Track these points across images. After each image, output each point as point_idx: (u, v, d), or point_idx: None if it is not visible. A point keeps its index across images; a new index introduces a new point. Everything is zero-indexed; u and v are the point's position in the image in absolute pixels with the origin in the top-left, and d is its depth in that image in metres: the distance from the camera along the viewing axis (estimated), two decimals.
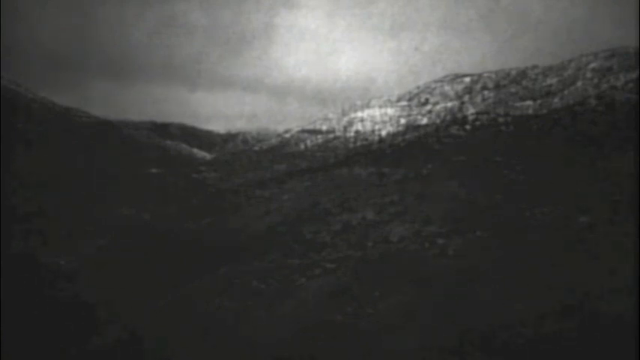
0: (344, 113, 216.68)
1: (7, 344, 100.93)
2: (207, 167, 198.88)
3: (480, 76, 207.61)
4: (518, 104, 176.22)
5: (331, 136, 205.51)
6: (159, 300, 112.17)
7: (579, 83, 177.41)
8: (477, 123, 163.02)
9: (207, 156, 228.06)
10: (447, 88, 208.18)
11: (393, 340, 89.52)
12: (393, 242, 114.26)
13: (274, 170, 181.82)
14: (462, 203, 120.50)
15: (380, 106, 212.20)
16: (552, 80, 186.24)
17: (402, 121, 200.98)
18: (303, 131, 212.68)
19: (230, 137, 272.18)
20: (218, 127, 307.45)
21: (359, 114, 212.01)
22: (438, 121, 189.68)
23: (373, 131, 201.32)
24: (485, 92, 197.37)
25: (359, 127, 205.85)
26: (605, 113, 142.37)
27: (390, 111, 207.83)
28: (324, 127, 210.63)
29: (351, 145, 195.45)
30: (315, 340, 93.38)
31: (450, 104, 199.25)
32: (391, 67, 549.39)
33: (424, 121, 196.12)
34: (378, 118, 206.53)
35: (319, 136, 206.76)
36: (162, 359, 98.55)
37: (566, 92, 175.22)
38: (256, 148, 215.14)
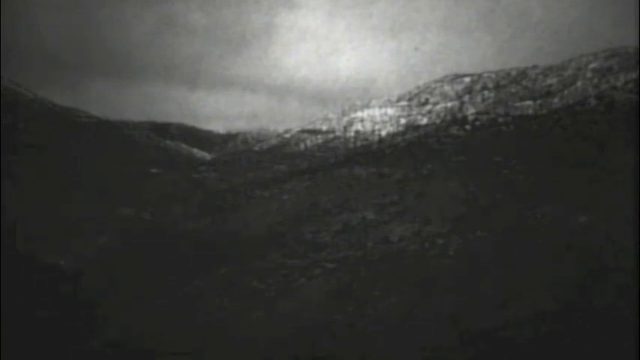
0: (344, 113, 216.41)
1: (8, 344, 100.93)
2: (207, 167, 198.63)
3: (480, 76, 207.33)
4: (518, 104, 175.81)
5: (331, 136, 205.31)
6: (159, 300, 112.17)
7: (579, 83, 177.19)
8: (477, 123, 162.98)
9: (207, 156, 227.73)
10: (447, 88, 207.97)
11: (393, 340, 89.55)
12: (393, 242, 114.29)
13: (274, 170, 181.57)
14: (462, 203, 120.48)
15: (380, 106, 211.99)
16: (552, 80, 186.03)
17: (402, 121, 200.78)
18: (303, 131, 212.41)
19: (230, 137, 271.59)
20: (218, 127, 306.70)
21: (359, 114, 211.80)
22: (438, 121, 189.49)
23: (373, 131, 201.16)
24: (485, 92, 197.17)
25: (359, 127, 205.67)
26: (605, 113, 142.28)
27: (390, 111, 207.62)
28: (324, 127, 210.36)
29: (351, 145, 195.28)
30: (315, 340, 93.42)
31: (450, 104, 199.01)
32: (391, 67, 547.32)
33: (424, 121, 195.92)
34: (378, 118, 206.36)
35: (319, 136, 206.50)
36: (161, 359, 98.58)
37: (566, 92, 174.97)
38: (256, 148, 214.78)
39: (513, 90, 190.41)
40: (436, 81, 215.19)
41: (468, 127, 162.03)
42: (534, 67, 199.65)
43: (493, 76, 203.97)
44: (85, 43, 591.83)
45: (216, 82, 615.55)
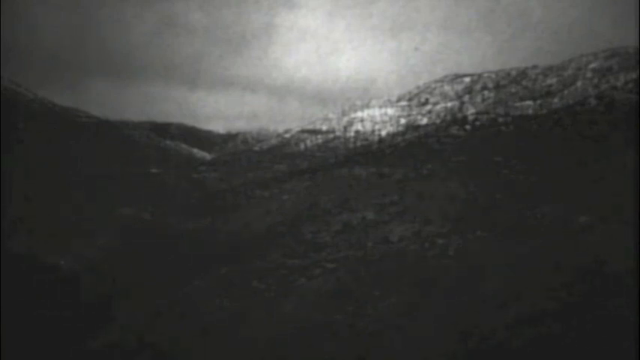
0: (344, 113, 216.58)
1: (7, 344, 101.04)
2: (207, 167, 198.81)
3: (480, 76, 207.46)
4: (518, 104, 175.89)
5: (331, 136, 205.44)
6: (159, 300, 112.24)
7: (579, 83, 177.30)
8: (477, 123, 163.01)
9: (207, 156, 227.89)
10: (447, 88, 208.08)
11: (393, 340, 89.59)
12: (393, 242, 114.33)
13: (274, 170, 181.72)
14: (462, 203, 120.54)
15: (380, 106, 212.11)
16: (552, 80, 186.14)
17: (402, 121, 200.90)
18: (303, 131, 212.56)
19: (230, 137, 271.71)
20: (218, 127, 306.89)
21: (359, 114, 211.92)
22: (438, 121, 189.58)
23: (373, 131, 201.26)
24: (485, 92, 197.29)
25: (359, 127, 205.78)
26: (605, 113, 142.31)
27: (390, 111, 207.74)
28: (324, 127, 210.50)
29: (351, 145, 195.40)
30: (315, 340, 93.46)
31: (450, 104, 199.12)
32: (391, 67, 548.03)
33: (424, 121, 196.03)
34: (378, 118, 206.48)
35: (319, 136, 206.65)
36: (162, 359, 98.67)
37: (566, 92, 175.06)
38: (256, 148, 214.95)
39: (513, 90, 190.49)
40: (436, 81, 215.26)
41: (468, 127, 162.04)
42: (534, 67, 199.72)
43: (493, 76, 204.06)
44: (85, 43, 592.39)
45: (216, 82, 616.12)
